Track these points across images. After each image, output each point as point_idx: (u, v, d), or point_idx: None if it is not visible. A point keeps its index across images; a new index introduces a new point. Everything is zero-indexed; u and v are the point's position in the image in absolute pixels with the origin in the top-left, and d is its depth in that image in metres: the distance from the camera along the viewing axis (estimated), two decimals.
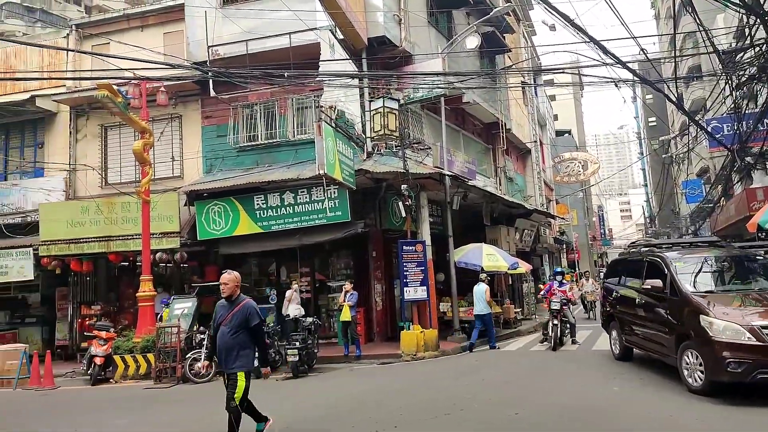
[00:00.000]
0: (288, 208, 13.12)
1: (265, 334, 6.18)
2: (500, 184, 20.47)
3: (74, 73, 14.62)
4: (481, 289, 12.70)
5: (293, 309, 12.43)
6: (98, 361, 11.25)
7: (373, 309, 13.91)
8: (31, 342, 14.57)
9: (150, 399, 9.32)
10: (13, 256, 14.32)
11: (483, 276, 13.16)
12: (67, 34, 15.99)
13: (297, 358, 10.25)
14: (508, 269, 14.78)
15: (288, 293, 12.68)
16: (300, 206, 13.05)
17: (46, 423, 7.94)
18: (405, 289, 12.45)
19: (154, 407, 8.56)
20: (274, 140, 14.31)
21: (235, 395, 5.24)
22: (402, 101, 13.38)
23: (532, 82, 25.04)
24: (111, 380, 11.32)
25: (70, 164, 15.54)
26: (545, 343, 12.38)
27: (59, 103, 15.57)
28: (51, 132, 16.05)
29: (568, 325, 12.59)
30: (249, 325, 5.38)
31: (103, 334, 11.67)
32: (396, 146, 13.01)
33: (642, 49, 11.50)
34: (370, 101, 13.13)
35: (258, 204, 13.29)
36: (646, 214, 59.34)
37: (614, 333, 9.78)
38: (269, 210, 13.23)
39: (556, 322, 11.92)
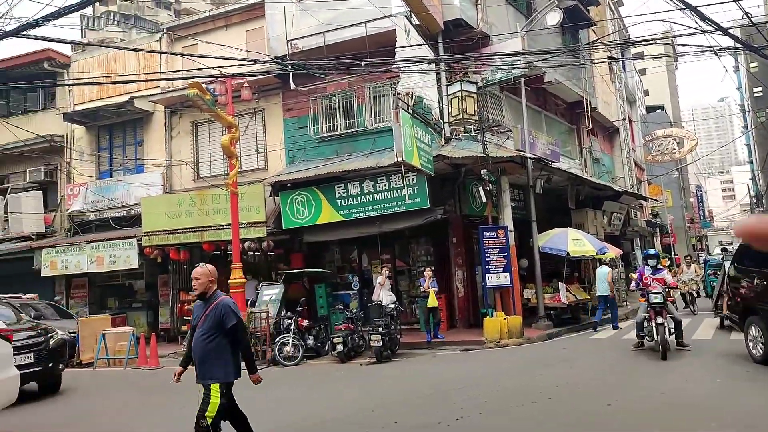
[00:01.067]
0: (368, 196, 13.29)
1: (246, 336, 4.82)
2: (586, 166, 19.58)
3: (167, 74, 15.56)
4: (603, 271, 13.21)
5: (385, 295, 12.43)
6: None
7: (455, 295, 13.83)
8: (137, 325, 15.82)
9: (243, 380, 9.83)
10: (120, 247, 15.59)
11: (606, 258, 13.70)
12: (160, 38, 17.01)
13: (380, 344, 10.41)
14: (596, 254, 14.17)
15: (379, 279, 12.71)
16: (379, 194, 13.17)
17: (157, 398, 8.61)
18: (487, 275, 12.27)
19: (246, 388, 9.02)
20: (353, 129, 14.51)
21: (207, 413, 4.36)
22: (480, 84, 13.10)
23: (620, 57, 23.63)
24: None
25: (166, 160, 16.61)
26: (641, 347, 9.54)
27: (155, 103, 16.64)
28: (149, 130, 17.21)
29: (672, 323, 9.17)
30: (225, 327, 4.44)
31: None
32: (475, 130, 12.78)
33: (745, 13, 10.50)
34: (448, 85, 12.95)
35: (339, 193, 13.57)
36: (752, 192, 54.57)
37: (753, 330, 7.95)
38: (350, 198, 13.47)
39: (660, 320, 8.78)
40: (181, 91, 14.97)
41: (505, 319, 11.77)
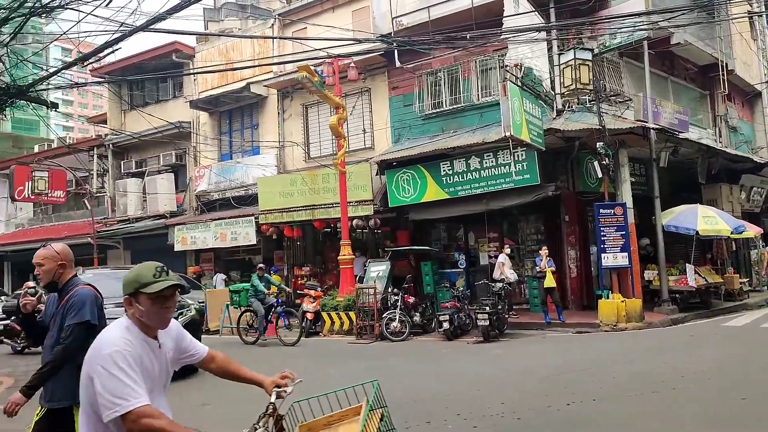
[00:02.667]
0: (474, 173, 13.01)
1: (70, 347, 3.03)
2: (720, 136, 17.61)
3: (279, 59, 16.22)
4: None
5: (508, 273, 12.21)
6: (309, 316, 12.64)
7: (567, 276, 13.20)
8: None
9: (353, 352, 10.19)
10: (240, 224, 16.71)
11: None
12: (272, 24, 17.74)
13: (487, 323, 10.24)
14: (731, 233, 12.77)
15: (500, 258, 12.45)
16: (486, 171, 12.83)
17: (274, 365, 9.17)
18: (602, 255, 11.55)
19: (355, 360, 9.33)
20: (459, 105, 14.21)
21: None
22: (596, 50, 12.18)
23: (764, 10, 20.81)
24: (320, 333, 12.64)
25: (279, 142, 17.43)
26: None
27: (268, 87, 17.46)
28: (263, 114, 18.13)
29: None
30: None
31: (312, 292, 13.03)
32: (590, 101, 11.95)
33: None
34: (559, 54, 12.19)
35: (444, 170, 13.42)
36: None
37: None
38: (455, 176, 13.28)
39: None
40: (291, 75, 15.54)
41: (622, 301, 11.05)
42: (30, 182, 19.59)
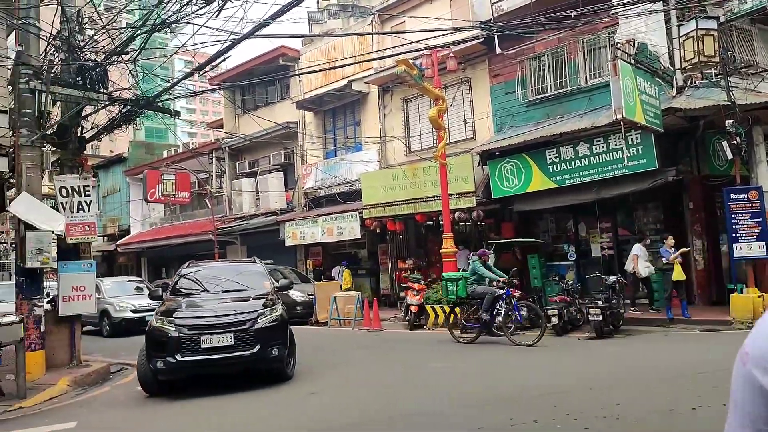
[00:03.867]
0: (582, 160, 12.29)
1: None
2: None
3: (378, 54, 16.42)
4: None
5: (642, 267, 11.39)
6: (413, 309, 12.71)
7: (692, 268, 12.09)
8: (362, 290, 17.34)
9: (457, 347, 10.08)
10: (345, 219, 17.18)
11: None
12: (371, 21, 17.99)
13: (600, 318, 9.65)
14: None
15: (635, 249, 11.62)
16: (596, 157, 12.08)
17: (383, 357, 9.34)
18: (734, 245, 10.41)
19: (461, 354, 9.22)
20: (564, 89, 13.51)
21: None
22: (722, 18, 10.96)
23: None
24: (424, 327, 12.66)
25: (380, 137, 17.67)
26: None
27: (369, 83, 17.75)
28: (365, 110, 18.47)
29: None
30: None
31: (416, 285, 13.08)
32: (716, 75, 10.80)
33: None
34: (679, 26, 11.13)
35: (550, 158, 12.82)
36: None
37: None
38: (562, 164, 12.63)
39: None
40: (391, 70, 15.64)
41: (759, 296, 9.89)
42: (160, 185, 21.59)
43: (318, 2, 22.11)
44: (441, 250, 13.36)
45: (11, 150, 9.66)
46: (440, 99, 13.36)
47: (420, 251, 17.50)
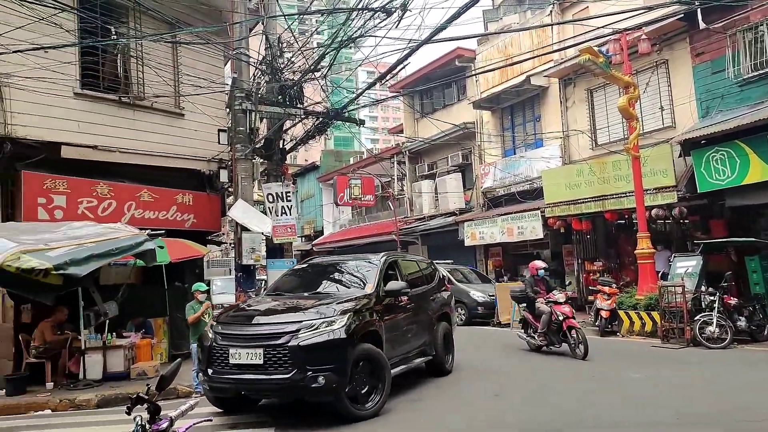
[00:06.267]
0: None
1: None
2: None
3: (558, 45, 15.62)
4: None
5: None
6: (604, 314, 11.82)
7: None
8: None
9: (659, 357, 9.11)
10: (526, 219, 16.66)
11: None
12: (550, 11, 17.20)
13: None
14: None
15: None
16: None
17: (576, 364, 8.85)
18: None
19: (664, 366, 8.30)
20: None
21: None
22: None
23: None
24: (617, 334, 11.68)
25: (562, 131, 16.77)
26: None
27: (549, 77, 16.97)
28: (545, 105, 17.71)
29: None
30: None
31: (606, 289, 12.14)
32: None
33: None
34: None
35: None
36: None
37: None
38: None
39: None
40: (573, 61, 14.78)
41: None
42: (348, 189, 23.26)
43: (493, 1, 21.83)
44: (636, 251, 12.22)
45: (229, 163, 11.26)
46: (631, 86, 12.23)
47: (610, 252, 16.21)
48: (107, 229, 4.11)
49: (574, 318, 9.38)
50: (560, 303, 9.44)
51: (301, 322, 5.66)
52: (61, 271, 4.37)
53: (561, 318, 9.23)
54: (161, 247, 8.07)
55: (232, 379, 5.66)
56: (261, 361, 5.49)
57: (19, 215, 8.61)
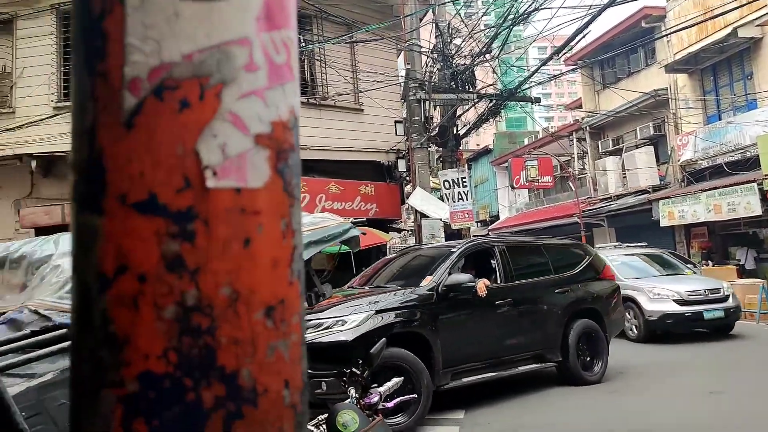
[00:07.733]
0: None
1: None
2: None
3: None
4: None
5: None
6: None
7: None
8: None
9: None
10: (738, 193, 14.41)
11: None
12: None
13: None
14: None
15: None
16: None
17: None
18: None
19: None
20: None
21: None
22: None
23: None
24: None
25: None
26: None
27: (763, 26, 14.41)
28: (758, 60, 15.09)
29: None
30: None
31: None
32: None
33: None
34: None
35: None
36: None
37: None
38: None
39: None
40: None
41: None
42: (524, 171, 22.49)
43: None
44: None
45: (406, 153, 11.64)
46: None
47: None
48: (317, 218, 4.58)
49: None
50: None
51: (318, 320, 5.26)
52: None
53: None
54: (364, 234, 8.64)
55: None
56: None
57: None
